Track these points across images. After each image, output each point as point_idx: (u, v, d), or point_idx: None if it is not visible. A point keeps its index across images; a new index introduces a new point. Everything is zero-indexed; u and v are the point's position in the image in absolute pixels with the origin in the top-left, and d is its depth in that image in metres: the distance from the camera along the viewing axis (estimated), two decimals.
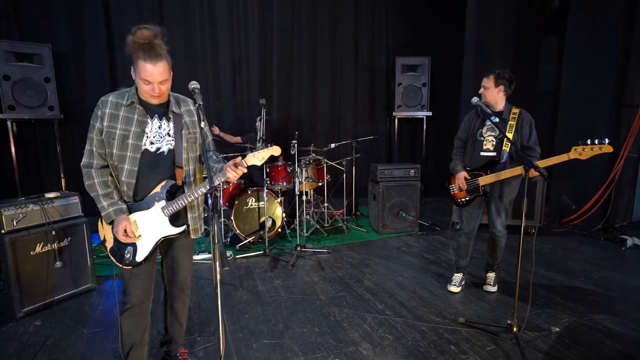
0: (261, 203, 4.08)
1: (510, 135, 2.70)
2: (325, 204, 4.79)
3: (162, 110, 1.76)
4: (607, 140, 2.31)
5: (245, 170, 1.72)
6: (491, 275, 3.04)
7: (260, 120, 3.73)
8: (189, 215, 1.85)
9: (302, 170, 4.14)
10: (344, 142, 4.95)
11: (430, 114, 5.98)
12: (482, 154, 2.84)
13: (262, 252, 3.82)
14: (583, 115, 4.63)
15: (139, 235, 1.75)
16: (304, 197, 4.25)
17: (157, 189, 1.74)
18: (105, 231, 1.79)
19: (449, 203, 4.75)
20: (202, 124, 1.69)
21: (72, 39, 4.75)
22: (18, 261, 2.56)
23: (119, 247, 1.75)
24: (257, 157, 1.73)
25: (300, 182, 4.10)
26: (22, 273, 2.58)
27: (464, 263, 3.07)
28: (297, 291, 3.04)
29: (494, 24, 5.07)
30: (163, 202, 1.73)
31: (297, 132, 3.97)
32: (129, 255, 1.75)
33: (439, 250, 3.98)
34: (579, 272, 3.37)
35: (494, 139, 2.81)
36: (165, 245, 1.91)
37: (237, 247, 3.96)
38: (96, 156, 1.71)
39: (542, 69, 5.71)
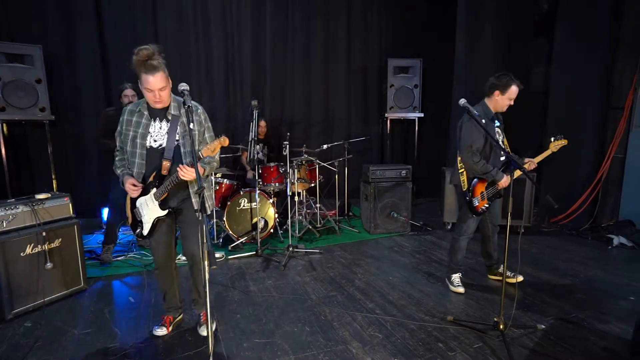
0: (253, 204, 4.09)
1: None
2: (318, 205, 4.82)
3: (162, 113, 2.16)
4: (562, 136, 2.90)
5: (189, 169, 1.99)
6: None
7: (252, 121, 3.74)
8: (193, 200, 2.21)
9: (294, 171, 4.16)
10: (336, 143, 4.98)
11: (422, 115, 6.04)
12: (501, 158, 2.89)
13: (255, 252, 3.84)
14: (571, 117, 4.71)
15: (143, 215, 2.21)
16: (297, 198, 4.28)
17: (151, 178, 2.16)
18: (127, 211, 2.29)
19: (440, 203, 4.80)
20: (192, 125, 1.74)
21: (64, 39, 4.74)
22: (8, 262, 2.55)
23: (134, 223, 2.28)
24: (210, 149, 1.93)
25: (293, 183, 4.12)
26: (11, 274, 2.57)
27: (462, 262, 3.11)
28: (289, 291, 3.06)
29: (484, 26, 5.14)
30: (154, 190, 2.15)
31: (288, 133, 3.99)
32: (139, 230, 2.27)
33: (430, 250, 4.02)
34: (565, 271, 3.43)
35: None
36: (181, 225, 2.32)
37: (230, 248, 3.97)
38: (119, 151, 2.26)
39: (532, 71, 5.79)
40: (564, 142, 2.89)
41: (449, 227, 4.69)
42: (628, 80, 4.30)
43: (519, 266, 3.22)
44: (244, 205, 4.14)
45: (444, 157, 5.81)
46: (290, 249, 3.80)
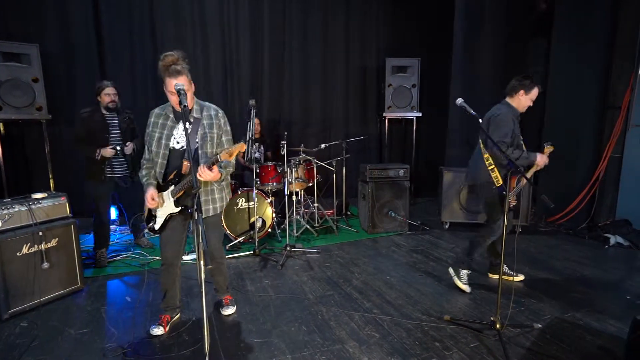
0: (251, 203, 4.09)
1: None
2: (316, 204, 4.82)
3: (186, 117, 2.19)
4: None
5: (209, 172, 2.06)
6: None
7: (249, 121, 3.75)
8: (202, 199, 2.33)
9: (292, 171, 4.16)
10: (334, 142, 4.98)
11: (420, 114, 6.04)
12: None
13: (252, 252, 3.84)
14: (569, 116, 4.72)
15: (159, 210, 2.34)
16: (294, 198, 4.27)
17: (171, 176, 2.27)
18: (146, 206, 2.36)
19: (438, 203, 4.80)
20: (187, 125, 1.75)
21: (61, 38, 4.72)
22: (4, 262, 2.54)
23: (149, 217, 2.40)
24: (228, 153, 1.97)
25: (290, 183, 4.12)
26: (7, 274, 2.57)
27: (475, 262, 3.15)
28: (286, 291, 3.06)
29: (482, 26, 5.15)
30: (172, 187, 2.27)
31: (286, 133, 3.98)
32: (152, 224, 2.39)
33: (427, 250, 4.02)
34: (562, 270, 3.44)
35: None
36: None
37: (227, 247, 3.97)
38: (147, 152, 2.36)
39: (530, 70, 5.80)
40: (551, 148, 2.93)
41: (446, 226, 4.70)
42: (625, 80, 4.31)
43: (516, 265, 3.22)
44: (241, 205, 4.13)
45: (441, 156, 5.82)
46: (288, 248, 3.81)
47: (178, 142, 2.26)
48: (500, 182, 2.78)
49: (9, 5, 4.44)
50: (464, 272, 3.05)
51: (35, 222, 2.70)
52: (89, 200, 3.65)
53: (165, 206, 2.32)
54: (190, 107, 2.22)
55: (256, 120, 4.85)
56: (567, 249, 3.98)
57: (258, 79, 5.82)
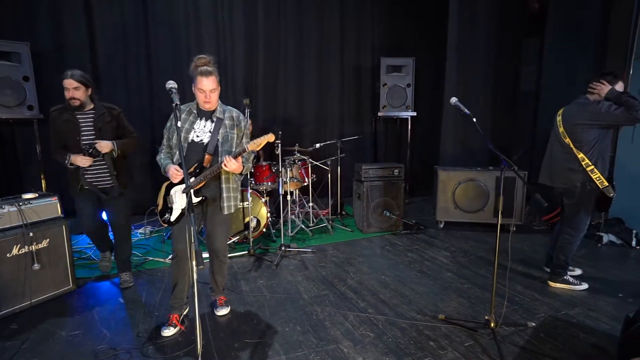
0: (245, 203, 4.07)
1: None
2: (310, 204, 4.81)
3: (209, 115, 2.42)
4: None
5: (234, 162, 2.22)
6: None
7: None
8: (224, 195, 2.41)
9: (286, 170, 4.14)
10: (329, 142, 4.97)
11: (414, 114, 6.05)
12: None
13: (247, 252, 3.82)
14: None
15: (174, 203, 2.37)
16: (289, 197, 4.26)
17: (192, 169, 2.33)
18: (159, 198, 2.44)
19: (433, 202, 4.81)
20: (179, 123, 1.73)
21: (53, 36, 4.66)
22: None
23: (163, 210, 2.42)
24: (256, 143, 2.17)
25: (285, 182, 4.10)
26: None
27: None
28: (281, 291, 3.04)
29: (476, 25, 5.17)
30: (193, 179, 2.30)
31: (280, 132, 3.96)
32: (167, 216, 2.40)
33: (422, 249, 4.03)
34: None
35: None
36: (206, 219, 2.51)
37: None
38: (165, 143, 2.48)
39: (523, 70, 5.83)
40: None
41: (441, 225, 4.71)
42: None
43: (510, 264, 3.23)
44: None
45: (436, 156, 5.83)
46: (283, 248, 3.79)
47: (198, 136, 2.38)
48: (605, 182, 2.83)
49: None
50: (568, 276, 3.08)
51: (25, 222, 2.66)
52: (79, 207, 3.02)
53: (183, 197, 2.35)
54: (214, 108, 2.40)
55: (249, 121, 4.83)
56: None
57: (252, 78, 5.79)
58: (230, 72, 5.62)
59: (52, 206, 2.89)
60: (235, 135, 2.45)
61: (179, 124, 2.25)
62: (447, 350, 2.24)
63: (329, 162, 4.86)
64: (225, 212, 2.44)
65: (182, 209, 2.36)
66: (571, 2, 4.60)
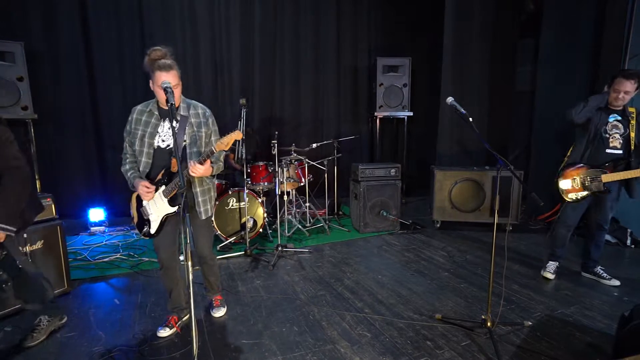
0: (242, 203, 4.06)
1: (633, 135, 2.85)
2: (307, 204, 4.80)
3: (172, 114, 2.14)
4: None
5: (201, 167, 2.02)
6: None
7: (240, 120, 3.72)
8: (199, 200, 2.29)
9: (283, 170, 4.14)
10: (325, 142, 4.96)
11: (411, 114, 6.06)
12: (608, 151, 2.91)
13: (244, 252, 3.80)
14: (557, 116, 4.76)
15: (151, 214, 2.23)
16: (286, 197, 4.25)
17: (159, 176, 2.18)
18: (133, 210, 2.32)
19: (429, 202, 4.82)
20: (174, 123, 1.71)
21: (47, 36, 4.63)
22: None
23: (140, 222, 2.29)
24: (224, 142, 1.96)
25: (282, 182, 4.09)
26: None
27: (561, 252, 3.22)
28: (277, 291, 3.04)
29: (472, 25, 5.18)
30: (163, 187, 2.17)
31: (276, 132, 3.95)
32: (146, 228, 2.27)
33: (419, 249, 4.03)
34: None
35: (620, 137, 2.89)
36: (191, 224, 2.40)
37: (218, 248, 3.93)
38: (128, 149, 2.26)
39: (519, 70, 5.86)
40: None
41: (438, 225, 4.71)
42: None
43: (506, 262, 3.24)
44: (232, 205, 4.10)
45: (433, 155, 5.84)
46: (280, 248, 3.78)
47: (164, 141, 2.18)
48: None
49: None
50: (551, 263, 3.25)
51: None
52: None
53: (159, 208, 2.22)
54: (177, 105, 2.15)
55: (248, 129, 4.82)
56: None
57: (249, 77, 5.77)
58: (226, 72, 5.61)
59: (46, 207, 2.85)
60: (204, 134, 2.24)
61: (147, 129, 2.14)
62: (444, 350, 2.24)
63: (325, 162, 4.85)
64: (204, 217, 2.32)
65: (161, 219, 2.24)
66: (566, 2, 4.62)
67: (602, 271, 3.17)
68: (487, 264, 3.43)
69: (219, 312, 2.63)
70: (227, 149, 2.02)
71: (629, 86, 2.82)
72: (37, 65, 4.49)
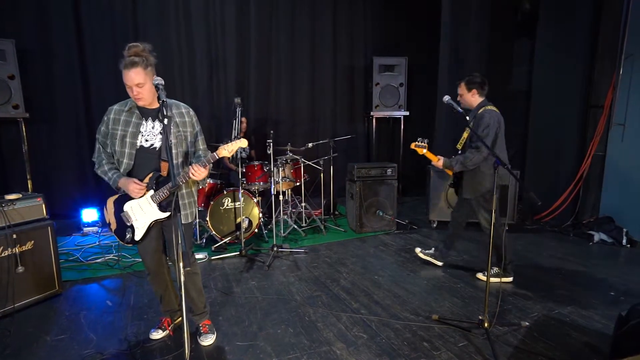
0: (237, 203, 4.02)
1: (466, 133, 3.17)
2: (303, 204, 4.77)
3: (154, 113, 2.09)
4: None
5: (204, 171, 1.95)
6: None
7: (235, 119, 3.68)
8: (180, 203, 2.10)
9: (278, 170, 4.10)
10: (321, 141, 4.94)
11: (407, 113, 6.05)
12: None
13: (239, 253, 3.76)
14: (553, 115, 4.77)
15: (135, 220, 2.10)
16: (281, 197, 4.22)
17: (146, 179, 2.06)
18: (109, 216, 2.17)
19: (426, 202, 4.80)
20: (165, 121, 1.67)
21: (39, 34, 4.57)
22: None
23: (121, 229, 2.14)
24: (227, 149, 1.93)
25: (277, 182, 4.06)
26: None
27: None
28: (273, 292, 3.00)
29: (468, 26, 5.18)
30: (152, 191, 2.06)
31: (272, 131, 3.92)
32: (129, 235, 2.13)
33: (415, 249, 4.00)
34: (548, 267, 3.46)
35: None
36: (166, 229, 2.21)
37: (213, 248, 3.89)
38: (102, 152, 2.11)
39: (515, 69, 5.86)
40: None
41: (434, 225, 4.70)
42: (607, 79, 4.37)
43: (503, 262, 3.22)
44: (227, 205, 4.05)
45: None
46: (275, 248, 3.75)
47: (147, 140, 2.06)
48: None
49: None
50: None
51: (8, 224, 2.58)
52: None
53: (146, 213, 2.09)
54: (148, 103, 2.05)
55: (243, 119, 4.78)
56: (553, 247, 4.01)
57: (244, 76, 5.74)
58: (222, 71, 5.57)
59: (36, 207, 2.81)
60: (189, 134, 2.15)
61: (128, 128, 2.02)
62: (441, 351, 2.22)
63: (321, 162, 4.82)
64: (183, 221, 2.16)
65: (149, 224, 2.11)
66: (562, 3, 4.63)
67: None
68: (484, 264, 3.44)
69: (207, 340, 2.31)
70: (229, 155, 1.99)
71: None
72: (29, 63, 4.44)
